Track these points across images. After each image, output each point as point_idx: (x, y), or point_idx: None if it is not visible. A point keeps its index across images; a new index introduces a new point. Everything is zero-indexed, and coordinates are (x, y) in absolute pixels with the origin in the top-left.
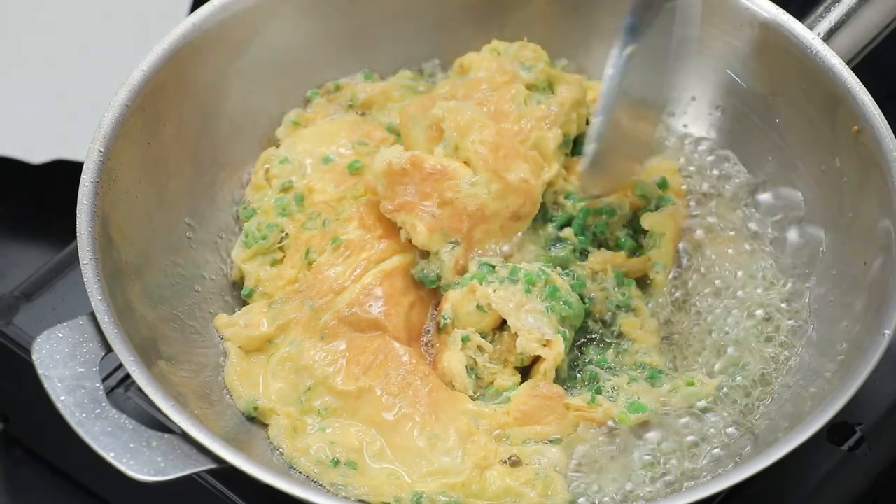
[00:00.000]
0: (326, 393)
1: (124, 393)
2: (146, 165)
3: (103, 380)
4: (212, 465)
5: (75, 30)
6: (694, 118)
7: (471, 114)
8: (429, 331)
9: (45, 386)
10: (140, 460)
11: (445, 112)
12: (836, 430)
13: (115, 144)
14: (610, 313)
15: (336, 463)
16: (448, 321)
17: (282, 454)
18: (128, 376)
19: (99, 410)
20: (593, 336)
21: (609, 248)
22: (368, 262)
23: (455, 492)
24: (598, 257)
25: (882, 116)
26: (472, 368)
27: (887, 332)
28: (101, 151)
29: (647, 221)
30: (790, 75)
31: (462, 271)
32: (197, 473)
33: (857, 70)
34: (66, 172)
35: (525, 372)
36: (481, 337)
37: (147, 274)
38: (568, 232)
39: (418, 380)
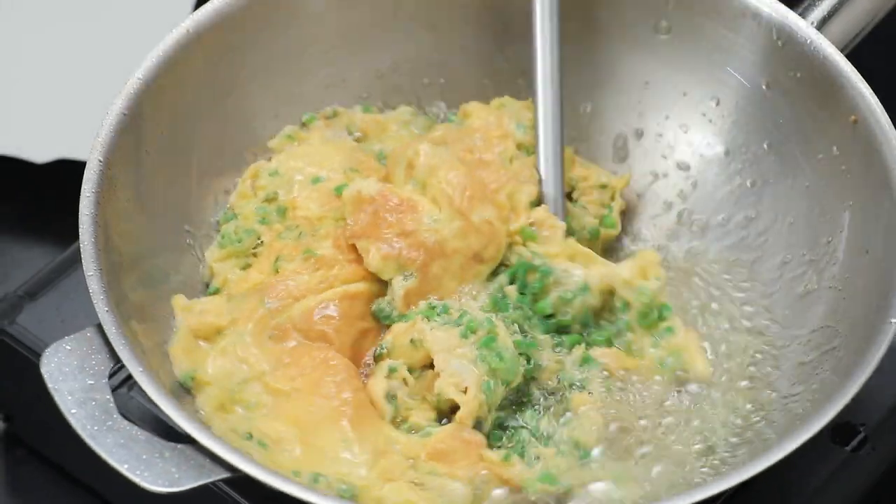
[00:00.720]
0: (260, 388)
1: (127, 393)
2: (145, 173)
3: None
4: (225, 475)
5: (78, 28)
6: (687, 112)
7: (443, 155)
8: (369, 362)
9: (56, 399)
10: (154, 471)
11: (419, 152)
12: (839, 430)
13: (114, 153)
14: (556, 384)
15: (249, 437)
16: (384, 350)
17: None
18: (130, 377)
19: (111, 422)
20: (534, 402)
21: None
22: (335, 280)
23: (355, 483)
24: (607, 356)
25: (879, 105)
26: (393, 398)
27: (893, 320)
28: (100, 161)
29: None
30: (785, 65)
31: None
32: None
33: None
34: (69, 172)
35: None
36: (409, 371)
37: (151, 281)
38: (510, 288)
39: (349, 392)
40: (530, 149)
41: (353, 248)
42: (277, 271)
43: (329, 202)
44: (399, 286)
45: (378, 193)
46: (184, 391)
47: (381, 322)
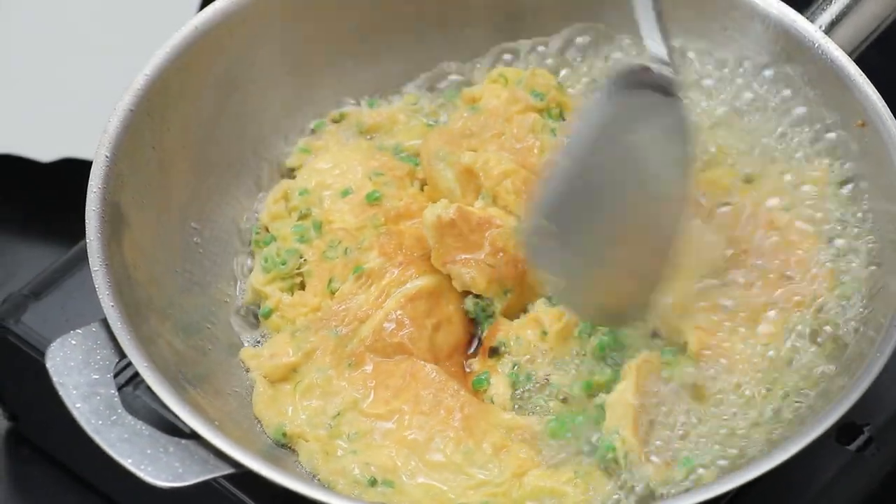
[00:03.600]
0: (356, 417)
1: (133, 391)
2: (152, 170)
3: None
4: (230, 470)
5: (83, 27)
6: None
7: (504, 165)
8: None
9: (61, 394)
10: (158, 466)
11: (477, 163)
12: (844, 430)
13: (121, 150)
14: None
15: (374, 483)
16: (503, 348)
17: (318, 479)
18: (137, 374)
19: (115, 417)
20: None
21: None
22: (390, 288)
23: (498, 500)
24: None
25: (887, 108)
26: (519, 397)
27: None
28: (107, 157)
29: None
30: (793, 69)
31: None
32: (213, 479)
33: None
34: (75, 171)
35: None
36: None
37: (156, 278)
38: None
39: (449, 397)
40: (553, 113)
41: (400, 251)
42: (333, 293)
43: (364, 212)
44: (500, 303)
45: (457, 215)
46: (283, 450)
47: (480, 321)
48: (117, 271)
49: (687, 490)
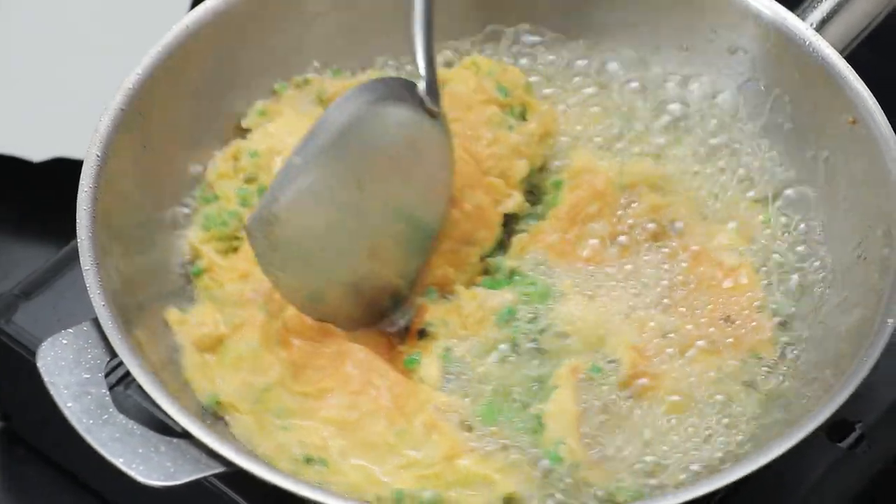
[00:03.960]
0: (284, 395)
1: (124, 391)
2: (142, 168)
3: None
4: (221, 469)
5: (75, 27)
6: (691, 109)
7: None
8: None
9: (52, 393)
10: (150, 465)
11: None
12: (835, 427)
13: (112, 148)
14: None
15: (309, 460)
16: (433, 329)
17: (257, 453)
18: (128, 374)
19: (106, 416)
20: None
21: None
22: None
23: (431, 483)
24: None
25: (878, 106)
26: (451, 377)
27: (890, 321)
28: (98, 156)
29: None
30: (785, 67)
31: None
32: (205, 477)
33: None
34: (66, 170)
35: None
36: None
37: (145, 274)
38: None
39: (378, 377)
40: (514, 111)
41: None
42: None
43: None
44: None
45: None
46: (213, 416)
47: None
48: (108, 270)
49: (675, 488)
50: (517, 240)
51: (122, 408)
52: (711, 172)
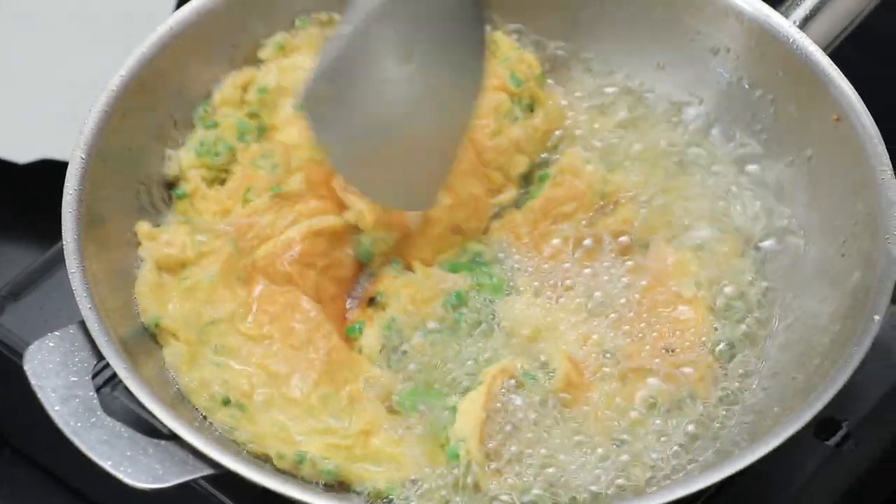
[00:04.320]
0: (228, 332)
1: (111, 392)
2: (128, 170)
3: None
4: (209, 471)
5: (60, 28)
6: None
7: None
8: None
9: (39, 396)
10: (138, 468)
11: None
12: (822, 425)
13: (97, 150)
14: None
15: (227, 402)
16: (382, 299)
17: (177, 382)
18: (114, 376)
19: (94, 419)
20: None
21: None
22: (299, 216)
23: (339, 453)
24: None
25: (862, 104)
26: (392, 350)
27: (876, 317)
28: (83, 158)
29: None
30: (768, 64)
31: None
32: (193, 480)
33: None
34: (52, 172)
35: None
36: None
37: (131, 275)
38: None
39: (321, 337)
40: (522, 102)
41: (324, 184)
42: (246, 202)
43: (309, 132)
44: (382, 245)
45: None
46: (150, 340)
47: (360, 259)
48: (94, 272)
49: (662, 486)
50: (492, 224)
51: (109, 410)
52: (699, 176)
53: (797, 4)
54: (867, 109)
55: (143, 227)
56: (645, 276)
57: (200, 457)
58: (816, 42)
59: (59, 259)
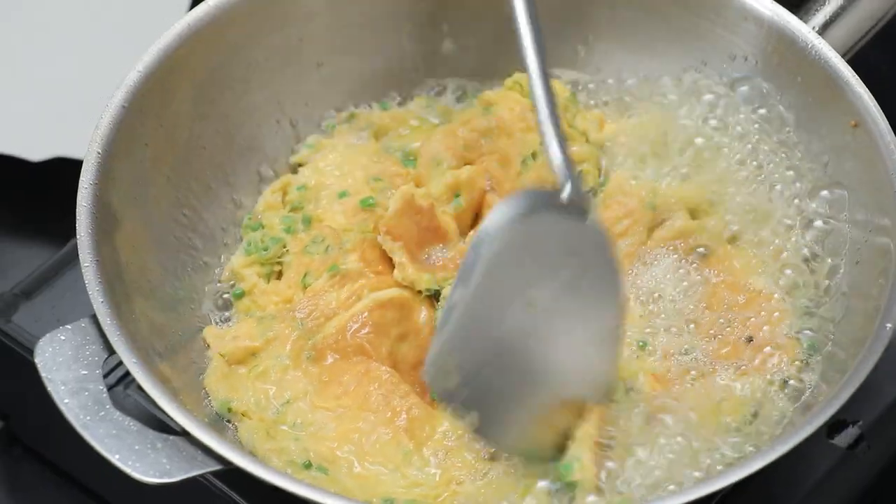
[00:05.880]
0: (304, 408)
1: (124, 391)
2: (144, 166)
3: (103, 378)
4: (217, 467)
5: (74, 26)
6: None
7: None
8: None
9: (49, 389)
10: (145, 462)
11: (463, 177)
12: (835, 427)
13: (114, 146)
14: None
15: (308, 466)
16: None
17: (255, 454)
18: (127, 374)
19: (103, 413)
20: None
21: None
22: (362, 291)
23: (426, 500)
24: None
25: (879, 110)
26: None
27: (889, 325)
28: (99, 153)
29: None
30: (787, 69)
31: None
32: (201, 475)
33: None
34: (66, 170)
35: None
36: None
37: (147, 273)
38: None
39: (398, 398)
40: None
41: (381, 259)
42: (306, 287)
43: (355, 215)
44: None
45: (427, 208)
46: (224, 422)
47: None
48: (107, 267)
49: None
50: None
51: (122, 408)
52: (733, 191)
53: (817, 10)
54: (885, 115)
55: (211, 330)
56: (713, 276)
57: (209, 452)
58: (836, 48)
59: (73, 258)
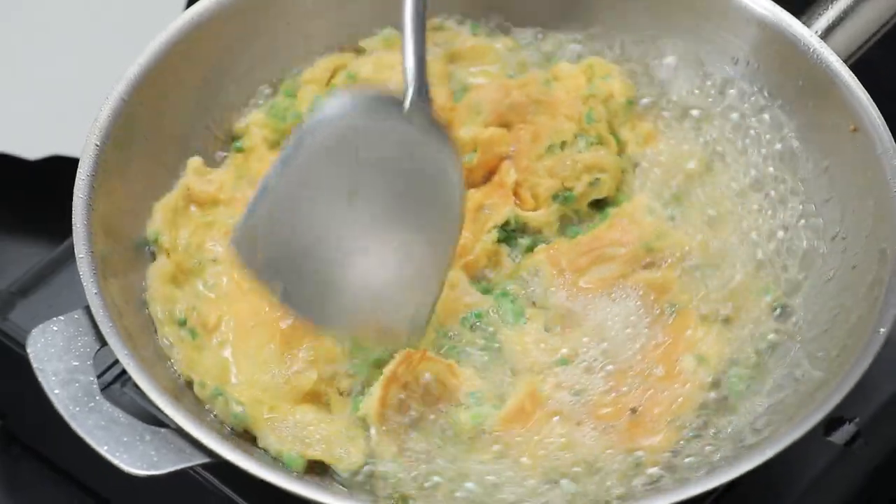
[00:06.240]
0: (224, 274)
1: (120, 388)
2: (142, 159)
3: (100, 375)
4: (205, 460)
5: (72, 26)
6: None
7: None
8: None
9: (40, 379)
10: (133, 454)
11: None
12: (832, 424)
13: (112, 138)
14: None
15: (182, 323)
16: None
17: (144, 291)
18: (124, 372)
19: (93, 404)
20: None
21: None
22: None
23: (257, 405)
24: None
25: (879, 115)
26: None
27: (882, 330)
28: (97, 146)
29: None
30: (788, 73)
31: None
32: (192, 468)
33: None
34: (63, 168)
35: None
36: None
37: (142, 267)
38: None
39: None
40: (589, 139)
41: None
42: None
43: None
44: None
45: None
46: (145, 252)
47: None
48: (102, 258)
49: (669, 487)
50: (538, 247)
51: (116, 404)
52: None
53: (819, 14)
54: (884, 120)
55: (195, 162)
56: (658, 339)
57: (197, 445)
58: (839, 52)
59: (69, 256)
